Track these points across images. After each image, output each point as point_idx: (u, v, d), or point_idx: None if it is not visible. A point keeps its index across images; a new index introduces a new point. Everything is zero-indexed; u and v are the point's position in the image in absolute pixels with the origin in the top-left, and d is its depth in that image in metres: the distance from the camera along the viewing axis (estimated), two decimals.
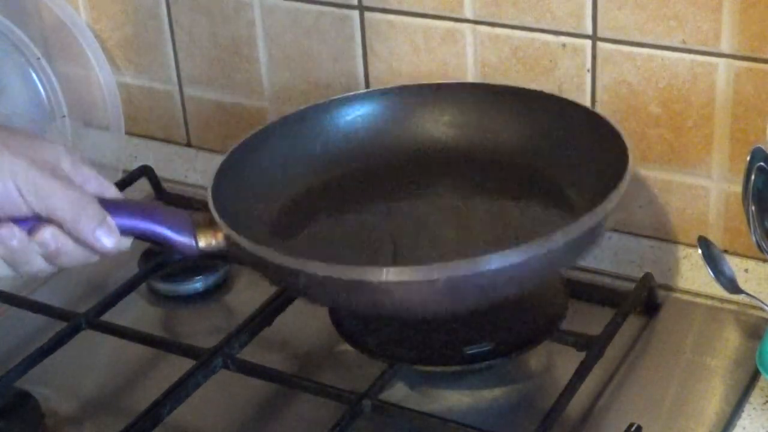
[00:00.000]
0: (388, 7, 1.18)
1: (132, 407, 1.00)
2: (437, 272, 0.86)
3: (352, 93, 1.14)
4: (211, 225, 0.95)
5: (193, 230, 0.94)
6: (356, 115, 1.12)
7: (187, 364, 1.01)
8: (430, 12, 1.17)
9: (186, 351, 1.04)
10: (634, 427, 0.92)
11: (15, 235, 0.86)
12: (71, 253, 0.88)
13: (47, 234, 0.86)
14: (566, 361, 0.99)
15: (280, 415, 1.02)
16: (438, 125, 1.13)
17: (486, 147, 1.11)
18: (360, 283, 0.88)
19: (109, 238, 0.88)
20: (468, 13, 1.15)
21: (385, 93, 1.13)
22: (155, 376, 1.06)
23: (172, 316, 1.15)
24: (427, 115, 1.13)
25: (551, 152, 1.07)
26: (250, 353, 1.03)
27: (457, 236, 1.05)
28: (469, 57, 1.17)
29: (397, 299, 0.89)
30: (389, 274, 0.87)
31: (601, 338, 1.00)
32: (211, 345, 1.03)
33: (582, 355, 0.98)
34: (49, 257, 0.88)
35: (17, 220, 0.86)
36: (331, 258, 0.92)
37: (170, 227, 0.94)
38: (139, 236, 0.92)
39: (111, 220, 0.89)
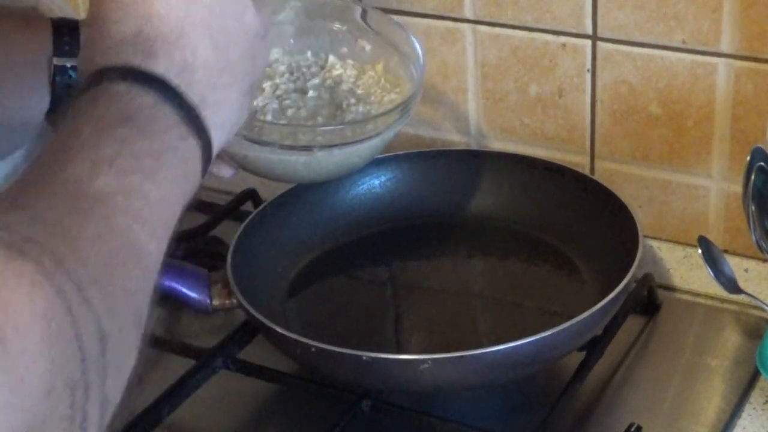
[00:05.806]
0: (388, 7, 1.18)
1: (132, 407, 0.99)
2: (423, 362, 0.90)
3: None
4: (227, 285, 0.97)
5: (209, 289, 0.96)
6: (374, 180, 1.15)
7: (187, 364, 1.01)
8: (430, 12, 1.16)
9: (186, 351, 1.04)
10: (634, 427, 0.92)
11: None
12: None
13: None
14: (566, 361, 0.99)
15: (280, 415, 1.02)
16: (454, 191, 1.16)
17: (493, 215, 1.14)
18: (347, 359, 0.92)
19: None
20: (468, 13, 1.15)
21: (402, 158, 1.16)
22: (155, 376, 1.06)
23: (172, 316, 1.15)
24: (444, 181, 1.16)
25: (560, 221, 1.11)
26: (250, 353, 1.03)
27: (464, 302, 1.09)
28: (469, 57, 1.17)
29: (381, 377, 0.93)
30: (370, 358, 0.91)
31: (601, 338, 1.00)
32: (211, 345, 1.03)
33: (582, 354, 0.98)
34: None
35: None
36: (333, 326, 1.03)
37: (186, 284, 0.95)
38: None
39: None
